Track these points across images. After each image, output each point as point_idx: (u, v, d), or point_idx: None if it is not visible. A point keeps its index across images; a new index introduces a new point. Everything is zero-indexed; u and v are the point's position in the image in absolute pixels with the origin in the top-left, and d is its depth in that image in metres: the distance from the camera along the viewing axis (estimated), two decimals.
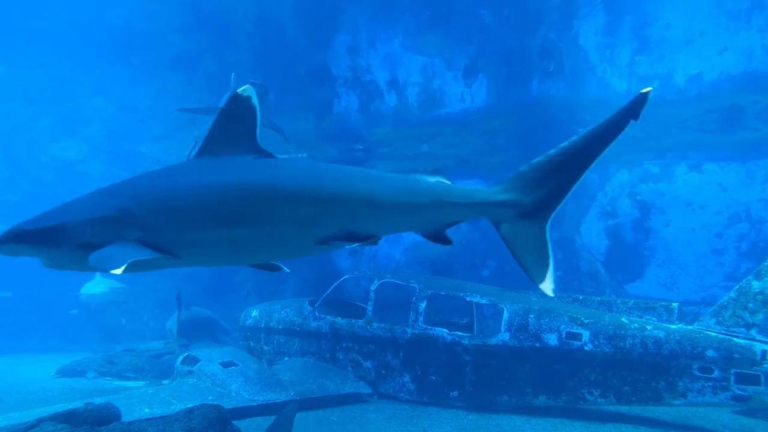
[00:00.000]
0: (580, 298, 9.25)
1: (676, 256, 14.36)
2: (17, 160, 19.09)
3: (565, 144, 3.00)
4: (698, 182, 14.24)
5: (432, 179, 2.99)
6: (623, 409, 8.14)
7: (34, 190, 18.96)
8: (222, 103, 10.23)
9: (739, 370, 7.23)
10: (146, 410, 7.23)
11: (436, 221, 3.03)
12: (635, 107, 2.98)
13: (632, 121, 3.07)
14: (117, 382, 11.02)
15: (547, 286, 2.87)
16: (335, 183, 2.81)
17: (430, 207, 2.98)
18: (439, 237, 3.06)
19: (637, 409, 8.10)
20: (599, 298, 9.19)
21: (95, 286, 16.37)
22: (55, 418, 5.17)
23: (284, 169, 2.83)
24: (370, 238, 2.81)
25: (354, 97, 16.68)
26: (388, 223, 2.96)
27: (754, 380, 7.14)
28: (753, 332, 7.33)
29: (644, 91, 2.95)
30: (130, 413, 6.55)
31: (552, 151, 2.97)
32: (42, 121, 18.65)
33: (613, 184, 15.19)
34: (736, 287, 7.58)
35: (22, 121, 18.40)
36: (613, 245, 14.94)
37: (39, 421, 4.99)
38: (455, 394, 8.81)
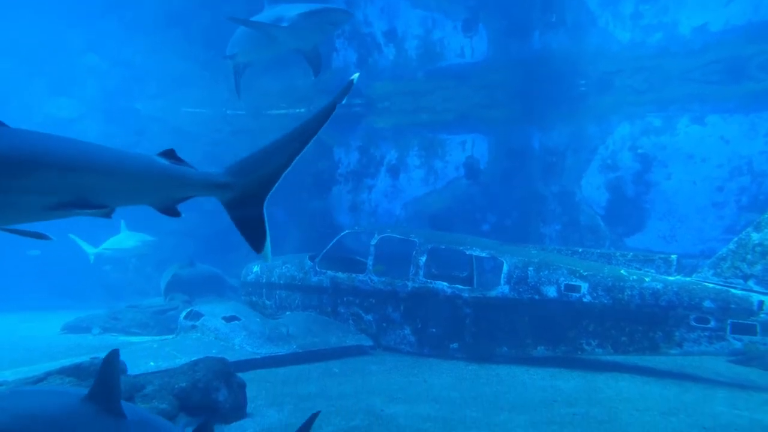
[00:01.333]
0: (580, 250, 9.29)
1: (676, 209, 14.34)
2: (12, 119, 18.76)
3: (278, 137, 3.52)
4: (700, 135, 14.10)
5: (164, 161, 3.31)
6: (620, 358, 8.28)
7: None
8: (262, 17, 9.84)
9: (735, 320, 7.32)
10: (152, 364, 7.36)
11: (166, 197, 3.32)
12: (343, 94, 3.48)
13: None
14: (122, 338, 11.17)
15: (266, 254, 3.44)
16: (69, 152, 2.91)
17: (160, 183, 3.25)
18: (169, 210, 3.36)
19: (634, 359, 8.25)
20: (599, 251, 9.24)
21: (125, 240, 16.03)
22: (63, 371, 5.26)
23: (13, 138, 2.86)
24: (102, 208, 2.99)
25: (352, 51, 16.39)
26: (120, 194, 3.18)
27: (750, 330, 7.24)
28: (750, 283, 7.39)
29: (351, 78, 3.42)
30: (135, 367, 6.66)
31: (267, 143, 3.50)
32: (36, 79, 18.39)
33: (614, 137, 15.05)
34: (736, 239, 7.61)
35: (15, 80, 18.14)
36: (613, 199, 14.92)
37: (47, 375, 5.09)
38: (455, 345, 8.95)
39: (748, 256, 7.39)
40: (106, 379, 2.97)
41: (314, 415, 3.46)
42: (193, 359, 6.06)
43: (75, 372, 5.26)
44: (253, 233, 3.44)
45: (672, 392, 6.87)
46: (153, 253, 16.10)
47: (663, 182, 14.58)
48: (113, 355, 3.12)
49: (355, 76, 3.46)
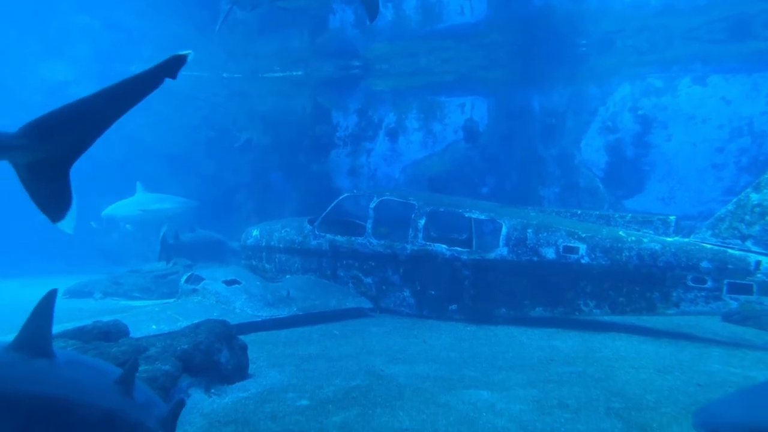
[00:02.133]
0: (579, 212, 9.30)
1: (676, 171, 14.33)
2: (5, 83, 18.63)
3: (88, 95, 3.07)
4: (702, 96, 14.00)
5: None
6: (617, 319, 8.38)
7: (25, 115, 18.59)
8: None
9: (732, 281, 7.37)
10: (153, 327, 7.43)
11: None
12: (172, 66, 3.09)
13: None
14: (124, 302, 11.27)
15: (66, 225, 3.02)
16: None
17: None
18: None
19: (631, 319, 8.34)
20: (597, 212, 9.24)
21: (161, 201, 15.77)
22: (66, 334, 5.32)
23: None
24: None
25: (350, 12, 16.08)
26: None
27: (746, 290, 7.30)
28: (748, 243, 7.42)
29: (182, 53, 3.08)
30: (138, 330, 6.73)
31: (74, 102, 3.04)
32: (27, 42, 18.06)
33: (614, 98, 14.93)
34: (735, 200, 7.61)
35: (6, 43, 17.82)
36: (612, 161, 14.88)
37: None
38: (454, 307, 9.04)
39: (747, 217, 7.40)
40: (36, 322, 3.06)
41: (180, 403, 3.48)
42: (194, 322, 6.12)
43: (78, 335, 5.32)
44: (52, 202, 3.07)
45: (668, 351, 6.96)
46: (188, 214, 15.87)
47: (663, 144, 14.53)
48: (48, 298, 3.18)
49: (189, 53, 3.10)
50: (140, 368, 4.72)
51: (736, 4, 12.36)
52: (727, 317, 8.88)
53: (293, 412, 4.77)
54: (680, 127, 14.25)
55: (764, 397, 2.43)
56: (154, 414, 3.40)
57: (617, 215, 8.91)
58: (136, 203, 15.42)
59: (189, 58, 3.10)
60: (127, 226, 17.29)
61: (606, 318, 8.37)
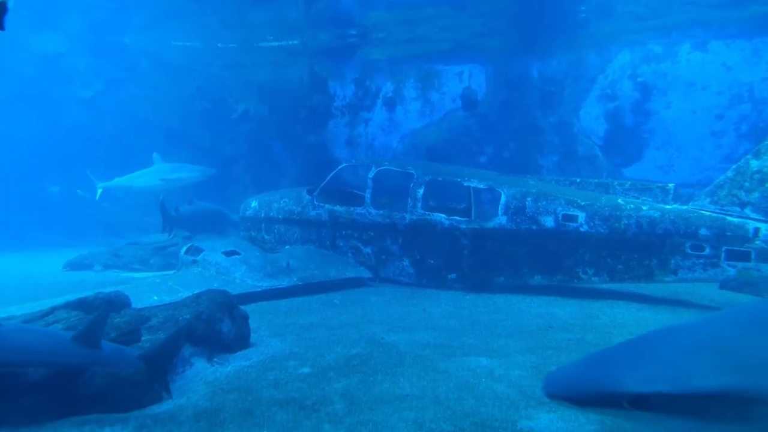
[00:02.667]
0: (578, 181, 9.29)
1: (675, 138, 14.28)
2: None
3: None
4: (702, 62, 13.86)
5: None
6: (615, 286, 8.44)
7: (17, 88, 18.41)
8: None
9: (730, 248, 7.41)
10: (155, 298, 7.47)
11: None
12: None
13: None
14: (124, 274, 11.30)
15: None
16: None
17: None
18: None
19: (629, 287, 8.41)
20: (596, 180, 9.23)
21: (180, 171, 15.45)
22: (68, 306, 5.34)
23: None
24: None
25: None
26: None
27: (744, 257, 7.34)
28: (747, 210, 7.43)
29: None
30: (139, 301, 6.75)
31: None
32: (18, 12, 17.73)
33: (614, 65, 14.79)
34: (734, 166, 7.60)
35: None
36: (611, 129, 14.81)
37: (53, 309, 5.16)
38: (453, 276, 9.09)
39: (746, 184, 7.40)
40: None
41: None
42: (195, 293, 6.15)
43: (80, 306, 5.34)
44: None
45: (665, 317, 7.03)
46: (207, 181, 15.65)
47: (662, 111, 14.45)
48: None
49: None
50: (143, 338, 4.76)
51: None
52: (725, 284, 8.95)
53: (295, 380, 4.83)
54: (680, 94, 14.15)
55: (617, 358, 2.32)
56: (124, 360, 3.89)
57: (616, 183, 8.90)
58: (155, 173, 15.14)
59: (9, 5, 2.92)
60: (93, 189, 17.26)
61: (604, 286, 8.43)
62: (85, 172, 15.34)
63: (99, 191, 15.39)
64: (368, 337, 6.19)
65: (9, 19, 2.86)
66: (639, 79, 14.50)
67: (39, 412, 3.95)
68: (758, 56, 13.31)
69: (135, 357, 3.94)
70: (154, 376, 4.07)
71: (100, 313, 3.86)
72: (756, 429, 1.92)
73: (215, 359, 5.41)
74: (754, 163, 7.35)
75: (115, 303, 5.58)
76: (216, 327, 5.57)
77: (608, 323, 6.75)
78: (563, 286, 8.46)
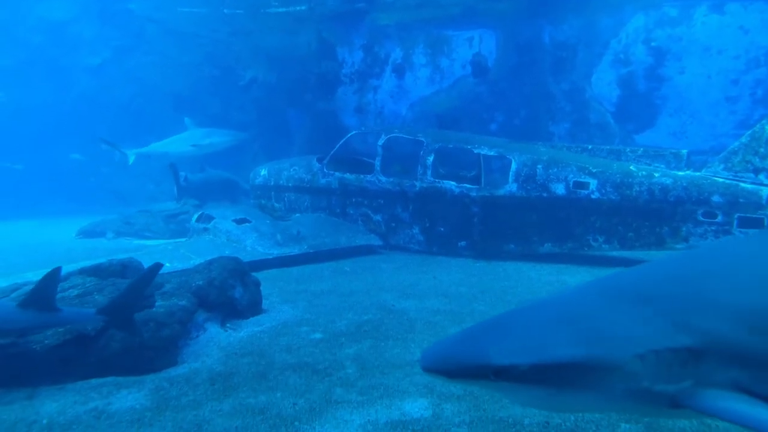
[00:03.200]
0: (590, 147, 9.20)
1: (688, 104, 14.04)
2: (3, 23, 18.24)
3: None
4: (718, 25, 13.53)
5: None
6: (626, 254, 8.43)
7: (26, 55, 18.35)
8: None
9: (742, 215, 7.35)
10: (167, 265, 7.49)
11: None
12: None
13: None
14: (136, 241, 11.41)
15: None
16: None
17: None
18: None
19: (639, 254, 8.39)
20: (608, 147, 9.13)
21: (212, 135, 15.13)
22: (83, 272, 5.42)
23: None
24: None
25: None
26: None
27: (757, 223, 7.29)
28: (761, 177, 7.35)
29: None
30: None
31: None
32: None
33: (627, 29, 14.47)
34: (749, 132, 7.49)
35: None
36: (624, 95, 14.57)
37: (69, 275, 5.23)
38: (463, 244, 9.10)
39: (761, 150, 7.30)
40: None
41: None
42: (207, 259, 6.21)
43: (95, 272, 5.42)
44: None
45: None
46: (239, 145, 15.48)
47: (676, 77, 14.18)
48: None
49: None
50: (157, 303, 4.83)
51: None
52: None
53: (307, 345, 4.90)
54: (695, 58, 13.86)
55: (485, 332, 2.28)
56: (83, 318, 4.08)
57: (628, 150, 8.81)
58: (187, 139, 14.87)
59: None
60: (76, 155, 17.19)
61: (615, 253, 8.41)
62: (98, 140, 15.23)
63: (132, 158, 15.01)
64: (379, 303, 6.24)
65: None
66: (653, 44, 14.20)
67: (58, 374, 4.05)
68: None
69: (93, 314, 4.06)
70: (117, 325, 4.17)
71: (46, 276, 3.92)
72: (604, 396, 2.04)
73: (228, 325, 5.49)
74: None
75: (129, 269, 5.65)
76: (228, 293, 5.63)
77: None
78: (573, 253, 8.46)
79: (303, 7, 16.97)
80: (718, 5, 13.51)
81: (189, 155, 14.62)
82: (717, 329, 1.98)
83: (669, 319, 2.04)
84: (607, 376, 1.99)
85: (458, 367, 2.15)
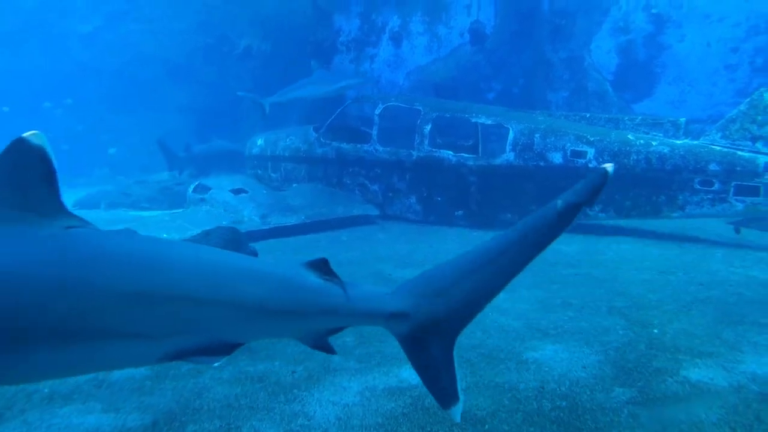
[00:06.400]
0: (587, 116, 9.15)
1: (687, 73, 13.94)
2: None
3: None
4: None
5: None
6: (623, 223, 8.45)
7: (20, 22, 18.07)
8: None
9: (739, 183, 7.36)
10: (164, 235, 7.55)
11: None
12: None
13: None
14: (133, 212, 11.39)
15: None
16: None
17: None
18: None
19: (636, 223, 8.42)
20: (606, 116, 9.09)
21: (342, 79, 14.61)
22: None
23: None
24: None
25: None
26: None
27: (753, 191, 7.31)
28: (759, 145, 7.34)
29: None
30: None
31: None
32: None
33: None
34: (747, 99, 7.46)
35: None
36: (623, 63, 14.45)
37: None
38: (460, 213, 9.11)
39: (759, 117, 7.27)
40: None
41: None
42: (204, 229, 6.21)
43: None
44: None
45: (672, 253, 7.07)
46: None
47: (675, 45, 14.05)
48: None
49: None
50: None
51: None
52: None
53: None
54: (695, 26, 13.70)
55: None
56: None
57: (627, 118, 8.77)
58: (317, 81, 14.13)
59: None
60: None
61: (611, 222, 8.44)
62: (237, 93, 14.77)
63: (267, 107, 14.38)
64: (376, 272, 6.27)
65: None
66: (653, 11, 14.02)
67: None
68: None
69: None
70: None
71: None
72: None
73: None
74: None
75: None
76: None
77: (615, 259, 6.81)
78: None
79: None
80: None
81: (322, 97, 14.05)
82: None
83: None
84: None
85: None
